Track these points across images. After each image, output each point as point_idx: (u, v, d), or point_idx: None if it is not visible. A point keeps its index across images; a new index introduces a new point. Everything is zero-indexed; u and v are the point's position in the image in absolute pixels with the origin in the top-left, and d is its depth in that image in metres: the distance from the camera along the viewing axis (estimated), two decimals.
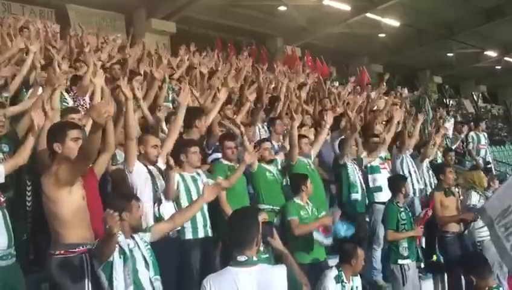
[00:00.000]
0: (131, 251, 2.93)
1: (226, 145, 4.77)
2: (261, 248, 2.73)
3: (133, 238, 3.02)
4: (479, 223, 5.40)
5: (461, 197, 6.41)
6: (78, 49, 7.67)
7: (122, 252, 2.87)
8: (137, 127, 4.44)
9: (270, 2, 15.94)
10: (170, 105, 6.40)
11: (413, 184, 6.23)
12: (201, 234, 4.01)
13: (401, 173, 6.10)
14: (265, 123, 6.38)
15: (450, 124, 10.20)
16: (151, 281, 2.96)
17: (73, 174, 2.89)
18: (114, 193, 3.92)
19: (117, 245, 2.84)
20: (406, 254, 4.84)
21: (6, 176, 3.29)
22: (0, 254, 2.92)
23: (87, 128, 4.29)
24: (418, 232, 4.88)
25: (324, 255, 4.71)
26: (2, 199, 3.06)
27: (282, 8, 16.44)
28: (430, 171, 6.66)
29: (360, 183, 5.68)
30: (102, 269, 2.83)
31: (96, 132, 2.75)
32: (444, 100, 17.36)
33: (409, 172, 6.30)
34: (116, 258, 2.84)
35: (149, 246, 3.07)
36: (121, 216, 2.92)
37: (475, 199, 5.75)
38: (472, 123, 9.97)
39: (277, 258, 3.35)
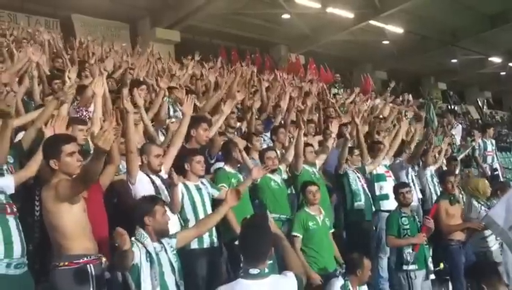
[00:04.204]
0: (157, 254, 3.03)
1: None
2: None
3: (161, 242, 3.11)
4: (482, 233, 5.37)
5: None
6: (82, 59, 7.73)
7: (148, 255, 2.98)
8: (139, 139, 4.43)
9: (273, 10, 16.02)
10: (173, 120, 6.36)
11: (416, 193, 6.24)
12: (206, 244, 3.98)
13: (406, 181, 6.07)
14: (264, 134, 6.33)
15: (457, 131, 10.10)
16: (177, 285, 3.07)
17: (72, 193, 2.88)
18: (121, 203, 3.93)
19: (144, 248, 2.96)
20: (410, 259, 4.80)
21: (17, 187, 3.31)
22: (15, 262, 2.94)
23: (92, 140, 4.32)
24: (420, 240, 4.81)
25: (334, 265, 4.67)
26: (15, 209, 3.10)
27: (285, 16, 16.51)
28: (435, 179, 6.61)
29: (364, 191, 5.65)
30: (129, 272, 2.92)
31: (101, 157, 2.72)
32: (449, 106, 17.31)
33: (413, 181, 6.31)
34: (143, 261, 2.94)
35: (175, 252, 3.16)
36: (143, 220, 3.05)
37: (475, 212, 5.66)
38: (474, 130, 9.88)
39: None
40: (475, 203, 5.67)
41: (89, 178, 2.82)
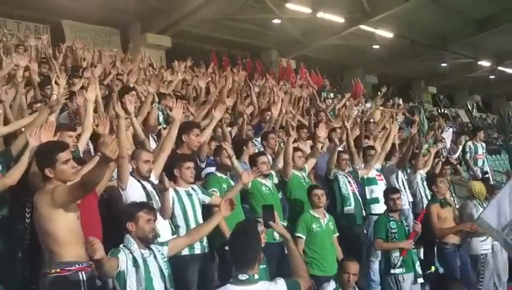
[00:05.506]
0: (144, 260, 3.01)
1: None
2: None
3: (150, 248, 3.09)
4: (481, 236, 5.38)
5: (457, 206, 6.39)
6: (72, 65, 7.70)
7: (134, 261, 2.96)
8: (128, 145, 4.40)
9: (264, 15, 16.04)
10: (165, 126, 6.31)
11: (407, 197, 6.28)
12: (197, 250, 3.96)
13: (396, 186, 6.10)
14: (255, 139, 6.32)
15: (448, 134, 10.16)
16: None
17: (71, 199, 2.87)
18: (111, 209, 3.90)
19: (130, 254, 2.96)
20: (398, 263, 4.82)
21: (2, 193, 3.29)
22: None
23: (82, 144, 4.30)
24: (407, 245, 4.84)
25: (336, 269, 4.64)
26: None
27: (276, 21, 16.55)
28: (425, 183, 6.64)
29: (354, 195, 5.65)
30: (116, 278, 2.91)
31: (105, 165, 2.75)
32: (439, 110, 17.40)
33: (403, 185, 6.34)
34: (130, 267, 2.94)
35: (166, 259, 3.14)
36: (125, 226, 3.04)
37: (475, 210, 5.66)
38: (465, 133, 9.94)
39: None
40: (474, 203, 5.67)
41: (91, 185, 2.83)
